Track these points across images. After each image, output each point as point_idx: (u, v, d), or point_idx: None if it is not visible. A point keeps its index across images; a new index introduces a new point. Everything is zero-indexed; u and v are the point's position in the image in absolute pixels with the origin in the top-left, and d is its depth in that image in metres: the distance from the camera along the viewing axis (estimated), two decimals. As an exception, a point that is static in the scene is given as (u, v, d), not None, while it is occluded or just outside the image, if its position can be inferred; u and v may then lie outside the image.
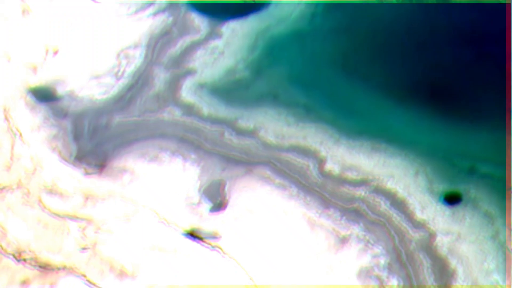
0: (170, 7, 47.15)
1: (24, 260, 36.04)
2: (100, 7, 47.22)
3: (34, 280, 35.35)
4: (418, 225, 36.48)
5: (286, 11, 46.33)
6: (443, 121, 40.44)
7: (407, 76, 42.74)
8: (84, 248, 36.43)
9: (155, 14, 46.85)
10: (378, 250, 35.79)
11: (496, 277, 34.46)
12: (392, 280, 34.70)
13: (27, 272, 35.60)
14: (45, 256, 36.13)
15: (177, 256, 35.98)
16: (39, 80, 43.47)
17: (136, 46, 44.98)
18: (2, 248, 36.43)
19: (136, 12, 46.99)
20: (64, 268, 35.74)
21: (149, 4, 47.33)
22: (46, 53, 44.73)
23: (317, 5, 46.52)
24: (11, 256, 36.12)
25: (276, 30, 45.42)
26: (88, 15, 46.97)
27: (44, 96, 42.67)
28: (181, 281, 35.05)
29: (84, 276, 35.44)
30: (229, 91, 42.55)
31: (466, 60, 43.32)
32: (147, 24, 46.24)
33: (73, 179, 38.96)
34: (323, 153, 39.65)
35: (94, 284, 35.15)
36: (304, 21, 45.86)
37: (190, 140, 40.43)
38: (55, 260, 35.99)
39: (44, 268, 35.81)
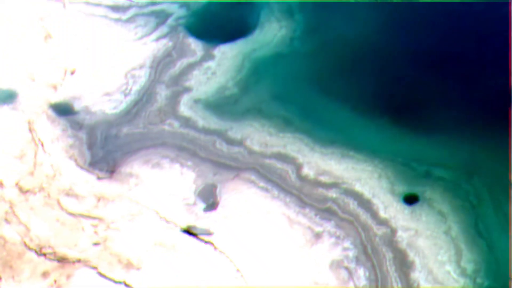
0: (171, 33, 46.34)
1: (45, 254, 35.44)
2: (111, 33, 46.14)
3: (53, 271, 34.83)
4: (382, 222, 35.89)
5: (269, 36, 45.56)
6: (402, 131, 39.88)
7: (371, 92, 42.09)
8: (96, 244, 35.81)
9: (157, 39, 46.03)
10: (347, 244, 35.27)
11: (448, 268, 33.87)
12: (359, 270, 34.19)
13: (47, 264, 35.07)
14: (63, 251, 35.53)
15: (175, 250, 35.44)
16: (58, 97, 42.73)
17: (141, 67, 44.17)
18: (26, 244, 35.83)
19: (142, 37, 46.16)
20: (79, 261, 35.18)
21: (153, 31, 46.32)
22: (65, 73, 43.94)
23: (295, 30, 45.69)
24: (33, 251, 35.54)
25: (260, 52, 44.70)
26: (100, 40, 45.97)
27: (63, 110, 41.98)
28: (179, 272, 34.41)
29: (96, 268, 34.87)
30: (220, 105, 41.87)
31: (422, 79, 42.48)
32: (151, 48, 45.40)
33: (87, 183, 38.27)
34: (300, 159, 38.98)
35: (104, 275, 34.55)
36: (284, 45, 45.14)
37: (187, 149, 39.80)
38: (71, 254, 35.44)
39: (62, 261, 35.23)
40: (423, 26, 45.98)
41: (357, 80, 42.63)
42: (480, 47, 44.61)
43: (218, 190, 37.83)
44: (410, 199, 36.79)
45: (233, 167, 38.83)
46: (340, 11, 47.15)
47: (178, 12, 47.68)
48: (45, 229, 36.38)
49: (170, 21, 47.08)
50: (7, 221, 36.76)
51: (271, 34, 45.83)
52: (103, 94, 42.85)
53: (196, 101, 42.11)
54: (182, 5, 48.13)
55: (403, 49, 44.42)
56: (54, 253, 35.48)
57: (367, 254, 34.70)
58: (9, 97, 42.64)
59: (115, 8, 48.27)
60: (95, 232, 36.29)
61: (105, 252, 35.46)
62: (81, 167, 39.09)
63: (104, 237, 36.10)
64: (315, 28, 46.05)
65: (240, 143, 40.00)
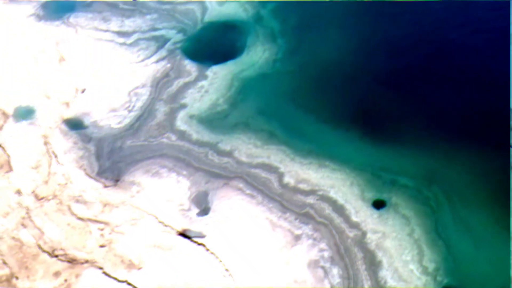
0: (169, 55, 44.66)
1: (56, 255, 33.97)
2: (117, 56, 44.34)
3: (64, 271, 33.55)
4: (353, 226, 34.39)
5: (254, 58, 43.95)
6: (371, 143, 38.40)
7: (343, 108, 40.50)
8: (102, 246, 34.16)
9: (157, 61, 44.36)
10: (323, 245, 33.81)
11: (412, 267, 32.43)
12: (333, 269, 32.78)
13: (59, 265, 33.73)
14: (73, 252, 34.06)
15: (172, 252, 34.00)
16: (70, 113, 41.14)
17: (143, 86, 42.53)
18: (40, 246, 34.39)
19: (144, 59, 44.47)
20: (87, 261, 33.76)
21: (153, 53, 44.55)
22: (76, 92, 42.29)
23: (277, 53, 44.10)
24: (46, 253, 34.11)
25: (247, 73, 43.11)
26: (107, 62, 44.27)
27: (74, 125, 40.45)
28: (174, 272, 32.84)
29: (102, 268, 33.33)
30: (212, 120, 40.30)
31: (387, 96, 40.94)
32: (151, 69, 43.75)
33: (95, 190, 36.72)
34: (282, 169, 37.38)
35: (108, 275, 33.07)
36: (268, 66, 43.54)
37: (182, 159, 38.28)
38: (80, 255, 34.10)
39: (72, 262, 33.83)
40: (388, 50, 44.15)
41: (332, 97, 41.16)
42: (434, 66, 42.86)
43: (210, 196, 36.27)
44: (378, 204, 35.26)
45: (223, 176, 37.24)
46: (316, 36, 45.33)
47: (175, 37, 45.90)
48: (57, 233, 34.86)
49: (168, 45, 45.34)
50: (23, 225, 35.18)
51: (256, 56, 44.13)
52: (110, 110, 41.17)
53: (191, 117, 40.47)
54: (179, 30, 46.42)
55: (371, 69, 42.80)
56: (65, 255, 33.92)
57: (341, 254, 33.17)
58: (27, 114, 41.04)
59: (121, 33, 46.49)
60: (101, 235, 34.73)
61: (110, 254, 33.92)
62: (90, 176, 37.50)
63: (109, 239, 34.52)
64: (294, 51, 44.46)
65: (229, 154, 38.37)
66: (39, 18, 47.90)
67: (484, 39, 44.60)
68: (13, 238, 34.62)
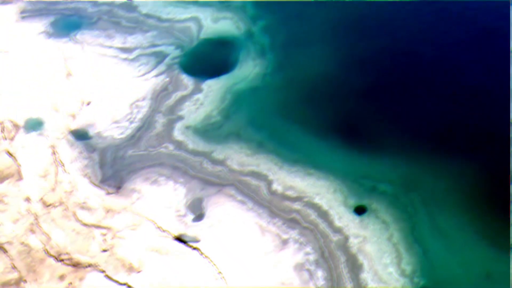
0: (167, 70, 43.01)
1: (62, 259, 32.45)
2: (119, 71, 42.69)
3: (69, 274, 32.12)
4: (337, 230, 32.93)
5: (246, 73, 42.38)
6: (354, 152, 36.96)
7: (328, 119, 39.01)
8: (104, 250, 32.63)
9: (157, 75, 42.71)
10: (308, 249, 32.40)
11: (391, 269, 31.09)
12: (318, 271, 31.46)
13: (64, 268, 32.29)
14: (77, 257, 32.55)
15: (169, 255, 32.53)
16: (76, 124, 39.48)
17: (143, 99, 40.89)
18: (47, 251, 32.86)
19: (144, 74, 42.82)
20: (90, 265, 32.21)
21: (153, 68, 42.89)
22: (82, 104, 40.61)
23: (267, 67, 42.55)
24: (53, 257, 32.59)
25: (239, 86, 41.57)
26: (111, 77, 42.64)
27: (80, 136, 38.82)
28: (171, 274, 31.34)
29: (104, 271, 31.77)
30: (207, 131, 38.74)
31: (369, 106, 39.37)
32: (151, 83, 42.13)
33: (98, 197, 35.19)
34: (270, 177, 35.88)
35: (110, 278, 31.60)
36: (258, 80, 42.00)
37: (179, 168, 36.72)
38: (83, 259, 32.61)
39: (76, 265, 32.35)
40: (370, 64, 42.58)
41: (316, 108, 39.65)
42: (413, 79, 41.27)
43: (204, 203, 34.75)
44: (360, 210, 33.81)
45: (216, 183, 35.73)
46: (302, 51, 43.72)
47: (173, 52, 44.24)
48: (63, 238, 33.38)
49: (167, 60, 43.67)
50: (32, 231, 33.69)
51: (248, 70, 42.53)
52: (113, 122, 39.54)
53: (187, 128, 38.91)
54: (177, 46, 44.74)
55: (354, 82, 41.38)
56: (70, 259, 32.42)
57: (325, 257, 31.76)
58: (37, 125, 39.42)
59: (123, 50, 44.80)
60: (104, 240, 33.26)
61: (111, 258, 32.44)
62: (94, 184, 35.94)
63: (111, 244, 33.04)
64: (282, 66, 42.91)
65: (222, 162, 36.81)
66: (49, 35, 46.14)
67: (459, 51, 43.01)
68: (22, 243, 33.09)
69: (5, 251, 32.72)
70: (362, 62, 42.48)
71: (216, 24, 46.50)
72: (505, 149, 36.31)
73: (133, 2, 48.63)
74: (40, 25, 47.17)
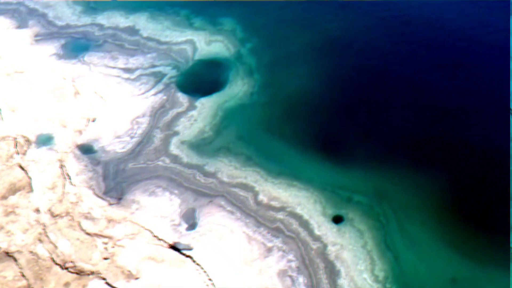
0: (165, 89, 40.64)
1: (67, 268, 30.21)
2: (122, 89, 40.26)
3: (73, 282, 29.92)
4: (316, 239, 30.79)
5: (235, 91, 40.04)
6: (332, 165, 34.74)
7: (309, 134, 36.83)
8: (105, 258, 30.39)
9: (155, 93, 40.35)
10: (291, 256, 30.28)
11: (365, 275, 29.07)
12: (300, 278, 29.34)
13: (69, 276, 30.05)
14: (80, 265, 30.29)
15: (164, 263, 30.33)
16: (83, 140, 37.17)
17: (143, 115, 38.53)
18: (53, 259, 30.58)
19: (144, 92, 40.48)
20: (92, 273, 30.03)
21: (152, 87, 40.56)
22: (88, 121, 38.15)
23: (254, 86, 40.22)
24: (58, 265, 30.37)
25: (229, 103, 39.23)
26: (114, 95, 40.27)
27: (85, 150, 36.53)
28: (166, 282, 29.13)
29: (105, 279, 29.48)
30: (199, 145, 36.45)
31: (347, 122, 37.15)
32: (150, 100, 39.79)
33: (101, 208, 32.98)
34: (256, 188, 33.71)
35: (110, 285, 29.50)
36: (246, 98, 39.64)
37: (175, 180, 34.47)
38: (86, 267, 30.39)
39: (80, 273, 30.09)
40: (347, 82, 40.27)
41: (299, 124, 37.48)
42: (386, 96, 39.01)
43: (197, 213, 32.49)
44: (337, 220, 31.63)
45: (208, 194, 33.51)
46: (286, 71, 41.35)
47: (170, 72, 41.83)
48: (68, 247, 31.16)
49: (165, 79, 41.29)
50: (40, 240, 31.42)
51: (237, 89, 40.18)
52: (115, 137, 37.21)
53: (182, 142, 36.60)
54: (174, 67, 42.33)
55: (333, 99, 39.09)
56: (74, 267, 30.20)
57: (306, 264, 29.64)
58: (47, 140, 37.11)
59: (126, 70, 42.37)
60: (105, 249, 31.03)
61: (112, 265, 30.23)
62: (97, 195, 33.71)
63: (112, 252, 30.81)
64: (268, 84, 40.61)
65: (213, 175, 34.53)
66: (59, 57, 43.64)
67: (429, 70, 40.74)
68: (31, 252, 30.83)
69: (15, 260, 30.44)
70: (339, 81, 40.25)
71: (209, 46, 44.02)
72: (470, 160, 34.12)
73: (135, 27, 46.07)
74: (52, 47, 44.63)
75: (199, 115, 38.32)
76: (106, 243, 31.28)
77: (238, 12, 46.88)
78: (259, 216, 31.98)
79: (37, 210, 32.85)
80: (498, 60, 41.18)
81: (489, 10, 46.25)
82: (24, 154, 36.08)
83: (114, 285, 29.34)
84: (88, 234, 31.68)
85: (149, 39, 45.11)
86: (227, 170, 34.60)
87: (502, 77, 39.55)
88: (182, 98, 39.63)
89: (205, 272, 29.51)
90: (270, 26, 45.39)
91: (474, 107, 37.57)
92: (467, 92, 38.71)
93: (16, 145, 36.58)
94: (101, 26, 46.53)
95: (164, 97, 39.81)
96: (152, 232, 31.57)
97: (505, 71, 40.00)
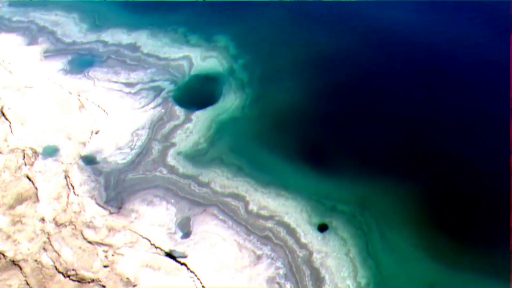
0: (163, 102, 38.68)
1: (69, 276, 28.34)
2: (123, 103, 38.29)
3: None
4: (302, 246, 29.08)
5: (228, 104, 38.16)
6: (318, 175, 32.98)
7: (297, 145, 35.02)
8: (105, 266, 28.56)
9: (154, 107, 38.42)
10: (279, 263, 28.55)
11: (348, 282, 27.33)
12: (287, 285, 27.73)
13: (71, 284, 28.36)
14: (82, 273, 28.54)
15: (160, 270, 28.60)
16: (86, 151, 35.26)
17: (143, 128, 36.62)
18: (56, 268, 28.85)
19: (144, 106, 38.60)
20: (93, 280, 28.33)
21: (151, 101, 38.58)
22: (91, 134, 36.11)
23: (245, 100, 38.36)
24: (61, 273, 28.57)
25: (222, 116, 37.32)
26: (116, 108, 38.27)
27: (89, 161, 34.65)
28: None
29: (104, 286, 27.86)
30: (195, 156, 34.61)
31: (333, 134, 35.37)
32: (149, 113, 37.90)
33: (102, 217, 31.18)
34: (247, 198, 31.96)
35: (109, 292, 27.50)
36: (238, 111, 37.70)
37: (171, 189, 32.68)
38: (87, 275, 28.64)
39: (81, 281, 28.29)
40: (333, 95, 38.45)
41: (287, 136, 35.66)
42: (371, 109, 37.17)
43: (191, 221, 30.70)
44: (322, 228, 29.85)
45: (202, 203, 31.73)
46: (276, 85, 39.45)
47: (168, 87, 39.90)
48: (71, 255, 29.41)
49: (163, 93, 39.39)
50: (45, 249, 29.61)
51: (230, 102, 38.27)
52: (116, 149, 35.34)
53: (179, 154, 34.74)
54: (171, 82, 40.37)
55: (319, 112, 37.12)
56: (76, 275, 28.46)
57: (293, 271, 27.97)
58: (53, 152, 35.24)
59: (127, 84, 40.45)
60: (106, 257, 29.26)
61: (111, 273, 28.49)
62: (99, 205, 31.91)
63: (111, 260, 29.06)
64: (259, 98, 38.69)
65: (207, 185, 32.74)
66: (66, 72, 41.62)
67: (414, 81, 38.90)
68: (36, 260, 29.04)
69: (20, 268, 28.64)
70: (324, 94, 38.35)
71: (204, 62, 42.01)
72: (448, 169, 32.36)
73: (136, 44, 44.04)
74: (59, 63, 42.59)
75: (195, 127, 36.42)
76: (106, 251, 29.50)
77: (231, 29, 44.88)
78: (249, 224, 30.24)
79: (43, 220, 31.03)
80: (475, 72, 39.32)
81: (466, 22, 44.33)
82: (31, 165, 34.21)
83: (113, 292, 27.65)
84: (89, 242, 29.91)
85: (149, 55, 43.06)
86: (220, 180, 32.79)
87: (480, 86, 37.84)
88: (179, 111, 37.70)
89: (199, 279, 27.79)
90: (261, 43, 43.39)
91: (451, 117, 35.77)
92: (446, 103, 36.87)
93: (24, 157, 34.69)
94: (105, 43, 44.46)
95: (162, 110, 37.88)
96: (149, 240, 29.81)
97: (481, 80, 38.28)
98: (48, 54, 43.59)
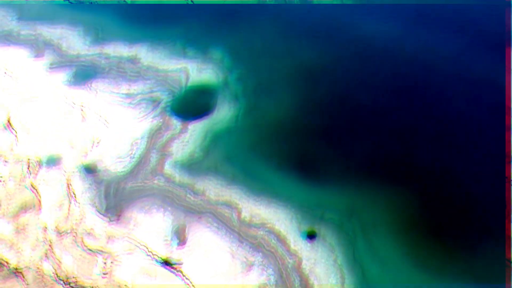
0: (161, 113, 36.86)
1: (69, 283, 26.55)
2: (124, 114, 36.37)
3: None
4: (292, 254, 27.47)
5: (222, 115, 36.43)
6: (308, 184, 31.30)
7: (288, 155, 33.27)
8: (104, 273, 26.82)
9: (153, 118, 36.61)
10: (270, 271, 26.92)
11: (336, 290, 25.39)
12: (277, 292, 25.59)
13: (71, 291, 26.17)
14: (82, 280, 26.85)
15: (157, 277, 26.68)
16: (88, 160, 33.19)
17: (142, 138, 34.87)
18: (57, 275, 26.93)
19: (143, 116, 36.45)
20: (92, 288, 26.18)
21: (150, 112, 36.72)
22: (93, 143, 34.16)
23: (239, 110, 36.56)
24: (62, 281, 26.82)
25: (217, 127, 35.59)
26: (117, 119, 36.34)
27: (90, 170, 32.71)
28: (158, 296, 25.83)
29: (103, 294, 25.87)
30: (190, 166, 32.87)
31: (321, 145, 33.62)
32: (148, 124, 36.03)
33: (102, 225, 29.48)
34: (240, 206, 30.30)
35: (108, 300, 25.80)
36: (232, 122, 35.95)
37: (168, 198, 30.75)
38: (87, 282, 26.87)
39: (81, 288, 26.26)
40: (322, 107, 36.68)
41: (279, 146, 33.97)
42: (358, 120, 35.44)
43: (187, 229, 28.88)
44: (311, 235, 28.04)
45: (197, 212, 29.97)
46: (268, 97, 37.63)
47: (166, 98, 37.85)
48: (72, 263, 27.64)
49: (161, 105, 37.50)
50: (47, 257, 27.77)
51: (224, 113, 36.57)
52: (117, 158, 33.51)
53: (175, 163, 33.06)
54: (169, 93, 38.42)
55: (310, 123, 35.36)
56: (76, 282, 26.77)
57: (283, 278, 26.39)
58: (56, 161, 33.25)
59: (128, 95, 38.66)
60: (105, 264, 27.41)
61: (110, 280, 26.69)
62: (99, 213, 30.19)
63: (110, 267, 27.18)
64: (252, 109, 36.95)
65: (202, 193, 31.09)
66: (70, 83, 39.76)
67: (402, 93, 37.16)
68: (38, 268, 27.30)
69: (23, 276, 26.89)
70: (315, 106, 36.66)
71: (200, 74, 40.19)
72: (435, 179, 30.73)
73: (137, 56, 42.07)
74: (64, 75, 40.66)
75: (191, 137, 34.66)
76: (105, 259, 27.79)
77: (226, 43, 43.00)
78: (242, 232, 28.60)
79: (45, 228, 29.27)
80: (461, 83, 37.69)
81: (451, 35, 42.61)
82: (36, 174, 32.37)
83: (111, 299, 25.98)
84: (90, 250, 28.19)
85: (148, 67, 41.18)
86: (214, 188, 31.13)
87: (465, 96, 36.24)
88: (176, 121, 35.93)
89: (193, 286, 26.13)
90: (255, 55, 41.57)
91: (438, 127, 34.15)
92: (433, 113, 35.24)
93: (29, 166, 32.85)
94: (107, 56, 42.51)
95: (160, 121, 36.08)
96: (147, 248, 28.11)
97: (466, 89, 36.69)
98: (54, 66, 41.63)
